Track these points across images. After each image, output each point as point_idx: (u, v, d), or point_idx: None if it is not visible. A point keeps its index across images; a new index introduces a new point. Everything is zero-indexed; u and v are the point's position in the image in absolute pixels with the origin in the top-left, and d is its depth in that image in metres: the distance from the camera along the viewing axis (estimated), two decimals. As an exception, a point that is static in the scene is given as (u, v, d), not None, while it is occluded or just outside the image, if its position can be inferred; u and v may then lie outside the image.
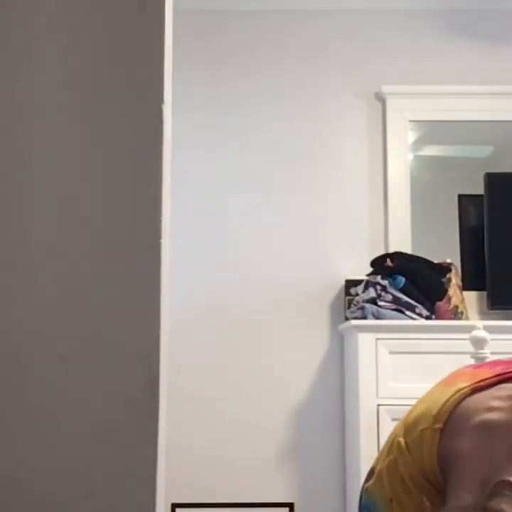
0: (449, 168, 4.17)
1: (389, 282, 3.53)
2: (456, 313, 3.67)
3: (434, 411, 1.11)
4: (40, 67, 1.40)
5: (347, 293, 3.79)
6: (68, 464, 1.33)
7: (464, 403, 1.10)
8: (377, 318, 3.47)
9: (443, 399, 1.12)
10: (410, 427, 1.14)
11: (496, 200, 3.83)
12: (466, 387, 1.14)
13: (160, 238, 1.38)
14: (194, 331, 3.80)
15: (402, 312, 3.51)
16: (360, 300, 3.57)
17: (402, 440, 1.14)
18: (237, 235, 3.90)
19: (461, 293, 3.75)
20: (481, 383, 1.15)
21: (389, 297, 3.52)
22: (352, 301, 3.70)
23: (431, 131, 4.13)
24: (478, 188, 3.85)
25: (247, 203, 3.93)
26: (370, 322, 3.46)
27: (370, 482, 1.23)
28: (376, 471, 1.22)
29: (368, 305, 3.50)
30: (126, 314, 1.37)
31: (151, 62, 1.41)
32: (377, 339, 3.38)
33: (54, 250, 1.38)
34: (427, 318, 3.55)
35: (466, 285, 3.82)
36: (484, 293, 3.80)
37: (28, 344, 1.35)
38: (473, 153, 4.23)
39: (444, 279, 3.66)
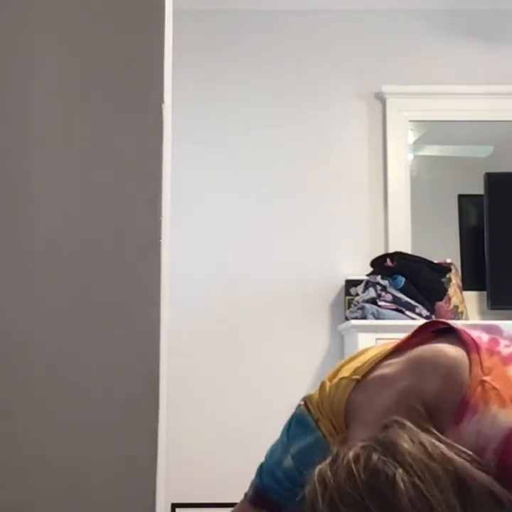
0: (449, 168, 4.16)
1: (389, 282, 3.53)
2: (456, 313, 3.67)
3: (358, 364, 1.19)
4: (39, 67, 1.40)
5: (347, 293, 3.79)
6: (68, 463, 1.33)
7: (382, 362, 1.18)
8: (377, 318, 3.47)
9: (370, 355, 1.19)
10: (335, 373, 1.22)
11: (495, 200, 3.82)
12: (390, 348, 1.21)
13: (160, 238, 1.38)
14: (194, 330, 3.80)
15: (402, 312, 3.51)
16: (360, 300, 3.57)
17: (327, 382, 1.21)
18: (237, 234, 3.90)
19: (461, 293, 3.75)
20: (403, 344, 1.21)
21: (389, 297, 3.52)
22: (352, 301, 3.69)
23: (431, 131, 4.13)
24: (478, 188, 3.84)
25: (246, 202, 3.92)
26: (370, 322, 3.46)
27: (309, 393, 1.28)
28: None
29: (368, 305, 3.50)
30: (126, 314, 1.37)
31: (151, 62, 1.41)
32: (377, 339, 3.37)
33: (54, 250, 1.38)
34: (427, 318, 3.54)
35: (466, 285, 3.81)
36: (484, 293, 3.80)
37: (29, 344, 1.35)
38: (473, 153, 4.22)
39: (444, 279, 3.65)
